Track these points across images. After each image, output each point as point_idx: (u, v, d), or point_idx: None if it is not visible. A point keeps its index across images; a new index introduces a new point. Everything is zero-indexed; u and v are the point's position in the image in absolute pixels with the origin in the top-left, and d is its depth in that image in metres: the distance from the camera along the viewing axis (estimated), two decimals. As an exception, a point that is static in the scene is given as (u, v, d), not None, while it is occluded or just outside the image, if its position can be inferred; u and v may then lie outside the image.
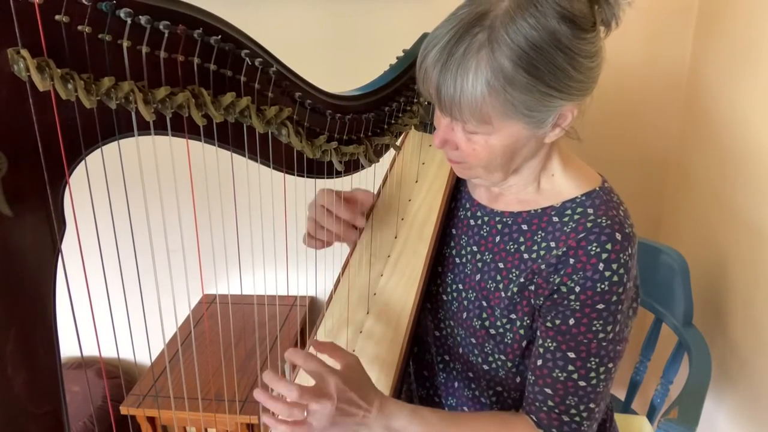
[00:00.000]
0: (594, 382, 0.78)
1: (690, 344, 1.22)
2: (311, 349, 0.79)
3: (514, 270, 0.82)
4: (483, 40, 0.66)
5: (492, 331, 0.84)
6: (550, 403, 0.80)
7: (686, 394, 1.09)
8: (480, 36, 0.66)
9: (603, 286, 0.74)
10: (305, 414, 0.70)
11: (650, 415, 1.29)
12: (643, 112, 1.64)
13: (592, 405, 0.79)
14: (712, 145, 1.42)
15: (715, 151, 1.40)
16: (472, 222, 0.90)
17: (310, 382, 0.73)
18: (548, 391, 0.79)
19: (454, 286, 0.91)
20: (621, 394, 1.43)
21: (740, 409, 1.27)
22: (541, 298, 0.79)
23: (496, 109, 0.68)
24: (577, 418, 0.80)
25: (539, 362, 0.80)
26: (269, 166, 0.72)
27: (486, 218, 0.88)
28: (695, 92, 1.54)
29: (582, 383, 0.78)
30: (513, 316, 0.82)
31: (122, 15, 0.50)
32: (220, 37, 0.58)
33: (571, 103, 0.71)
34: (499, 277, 0.84)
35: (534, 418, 0.81)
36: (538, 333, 0.81)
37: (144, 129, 0.56)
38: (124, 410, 1.47)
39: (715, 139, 1.40)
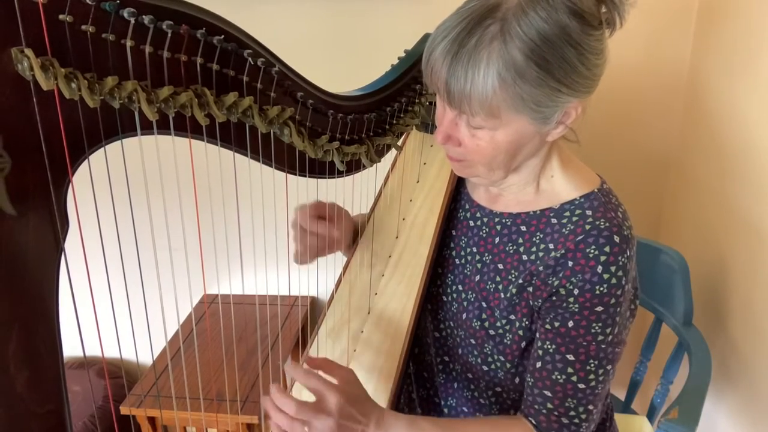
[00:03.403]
0: (593, 384, 0.78)
1: (690, 344, 1.22)
2: (304, 365, 0.80)
3: (513, 271, 0.82)
4: (495, 32, 0.66)
5: (491, 332, 0.84)
6: (549, 405, 0.80)
7: (686, 394, 1.09)
8: (492, 28, 0.66)
9: (601, 289, 0.74)
10: (306, 429, 0.71)
11: (650, 415, 1.29)
12: (643, 113, 1.64)
13: (590, 407, 0.80)
14: (712, 145, 1.42)
15: (715, 151, 1.40)
16: (471, 223, 0.90)
17: (312, 396, 0.73)
18: (547, 393, 0.80)
19: (454, 287, 0.91)
20: (621, 394, 1.43)
21: (740, 409, 1.28)
22: (540, 300, 0.79)
23: (505, 102, 0.68)
24: (576, 420, 0.80)
25: (538, 364, 0.80)
26: (271, 166, 0.72)
27: (485, 219, 0.88)
28: (695, 92, 1.54)
29: (581, 385, 0.78)
30: (512, 317, 0.82)
31: (126, 15, 0.50)
32: (222, 36, 0.58)
33: (576, 99, 0.71)
34: (498, 278, 0.84)
35: (533, 421, 0.81)
36: (537, 335, 0.81)
37: (147, 128, 0.56)
38: (124, 410, 1.46)
39: (715, 139, 1.40)
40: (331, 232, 0.92)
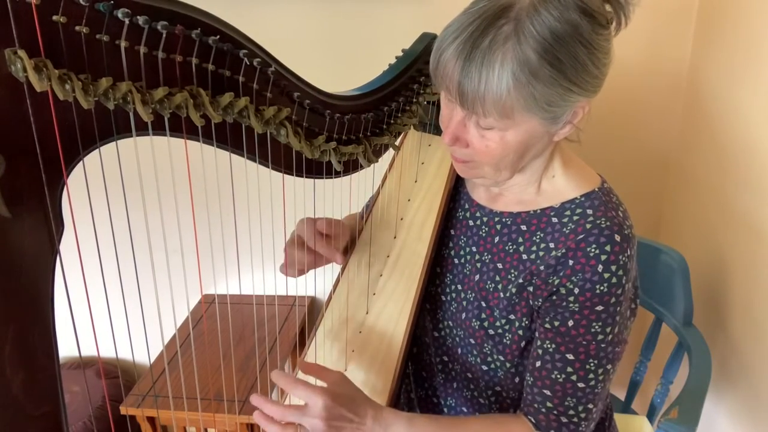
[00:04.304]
0: (593, 383, 0.78)
1: (690, 344, 1.22)
2: (299, 374, 0.80)
3: (512, 271, 0.82)
4: (509, 32, 0.66)
5: (491, 332, 0.84)
6: (548, 404, 0.80)
7: (686, 394, 1.09)
8: (506, 28, 0.66)
9: (602, 288, 0.74)
10: None
11: (650, 415, 1.29)
12: (643, 112, 1.64)
13: (590, 406, 0.79)
14: (712, 145, 1.42)
15: (715, 151, 1.40)
16: (471, 222, 0.90)
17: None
18: (547, 392, 0.79)
19: (453, 287, 0.91)
20: (621, 394, 1.43)
21: (740, 409, 1.27)
22: (540, 300, 0.79)
23: (518, 103, 0.68)
24: (576, 419, 0.80)
25: (538, 363, 0.80)
26: (268, 167, 0.72)
27: (485, 219, 0.88)
28: (695, 92, 1.54)
29: (581, 384, 0.78)
30: (512, 316, 0.82)
31: (120, 15, 0.50)
32: (218, 37, 0.57)
33: (585, 99, 0.71)
34: (497, 278, 0.84)
35: (533, 420, 0.81)
36: (537, 334, 0.81)
37: (142, 129, 0.56)
38: (123, 410, 1.46)
39: (715, 140, 1.40)
40: (329, 254, 0.91)
